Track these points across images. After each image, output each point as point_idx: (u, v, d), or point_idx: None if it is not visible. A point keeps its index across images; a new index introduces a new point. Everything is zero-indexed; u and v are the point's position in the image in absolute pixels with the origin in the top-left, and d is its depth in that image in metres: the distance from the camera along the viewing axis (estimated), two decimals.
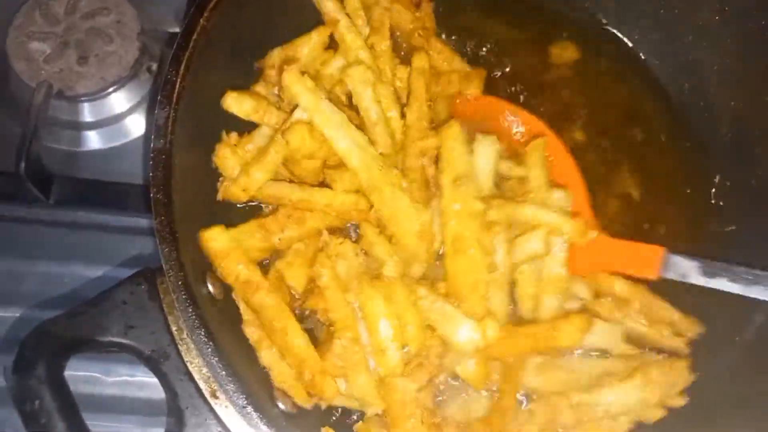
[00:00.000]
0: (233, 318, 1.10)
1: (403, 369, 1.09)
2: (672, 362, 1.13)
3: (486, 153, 1.16)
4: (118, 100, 1.40)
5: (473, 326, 1.09)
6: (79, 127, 1.39)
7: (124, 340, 1.05)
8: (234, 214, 1.16)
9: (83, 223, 1.33)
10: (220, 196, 1.14)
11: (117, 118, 1.40)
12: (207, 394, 0.99)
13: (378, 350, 1.09)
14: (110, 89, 1.38)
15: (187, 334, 1.01)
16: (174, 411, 1.04)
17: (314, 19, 1.24)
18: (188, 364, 1.02)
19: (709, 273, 1.11)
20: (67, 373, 1.04)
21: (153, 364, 1.05)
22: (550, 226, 1.13)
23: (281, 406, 1.09)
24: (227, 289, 1.09)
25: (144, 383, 1.26)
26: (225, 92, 1.12)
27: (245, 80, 1.23)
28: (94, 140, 1.41)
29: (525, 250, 1.14)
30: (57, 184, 1.33)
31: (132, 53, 1.39)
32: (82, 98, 1.37)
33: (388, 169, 1.13)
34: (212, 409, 0.99)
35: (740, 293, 1.09)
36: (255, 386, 1.04)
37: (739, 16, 1.28)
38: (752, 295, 1.07)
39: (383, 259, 1.14)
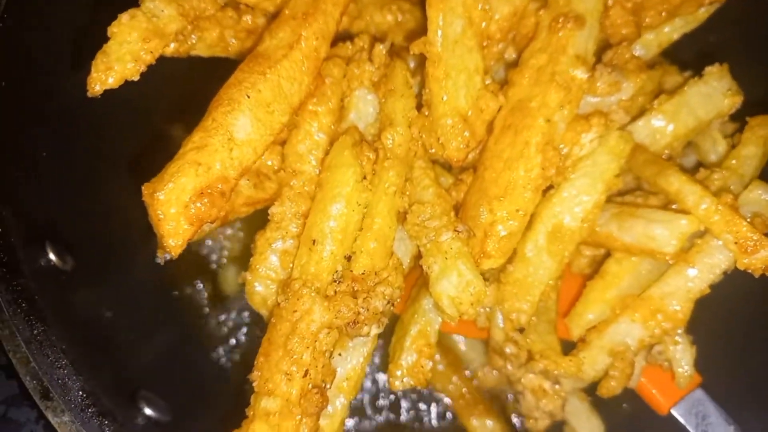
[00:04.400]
0: (92, 290, 0.92)
1: (326, 287, 0.91)
2: None
3: None
4: None
5: (465, 282, 0.91)
6: None
7: None
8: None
9: None
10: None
11: None
12: (36, 396, 0.78)
13: (307, 240, 0.92)
14: None
15: (8, 314, 0.78)
16: None
17: None
18: (9, 354, 0.79)
19: None
20: None
21: None
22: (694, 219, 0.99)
23: (147, 411, 0.91)
24: (80, 257, 0.90)
25: None
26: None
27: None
28: None
29: None
30: None
31: None
32: None
33: None
34: (42, 416, 0.78)
35: None
36: (110, 386, 0.84)
37: None
38: None
39: (395, 120, 0.97)
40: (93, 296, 1.00)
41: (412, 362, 1.03)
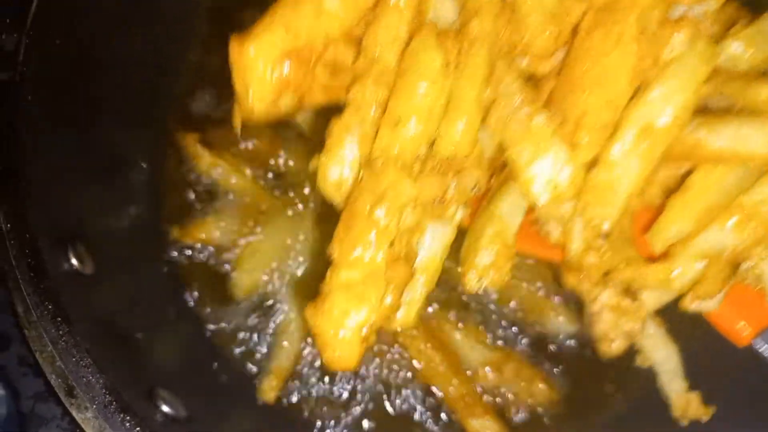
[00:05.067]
0: (111, 296, 0.95)
1: (411, 165, 0.89)
2: None
3: None
4: None
5: (561, 161, 0.89)
6: None
7: None
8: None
9: None
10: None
11: None
12: (61, 393, 0.81)
13: (390, 119, 0.90)
14: None
15: (36, 316, 0.81)
16: (12, 417, 0.83)
17: None
18: (36, 354, 0.82)
19: None
20: None
21: None
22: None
23: (165, 408, 0.92)
24: (100, 261, 0.93)
25: None
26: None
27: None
28: None
29: None
30: None
31: None
32: None
33: None
34: (67, 413, 0.80)
35: None
36: (129, 383, 0.87)
37: None
38: None
39: (482, 9, 0.95)
40: (111, 297, 1.04)
41: (490, 262, 0.98)
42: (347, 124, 0.96)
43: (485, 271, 0.96)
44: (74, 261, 0.91)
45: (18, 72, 0.88)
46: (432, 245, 0.95)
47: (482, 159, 0.97)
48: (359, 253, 0.85)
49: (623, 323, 1.02)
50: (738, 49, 1.07)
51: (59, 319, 0.81)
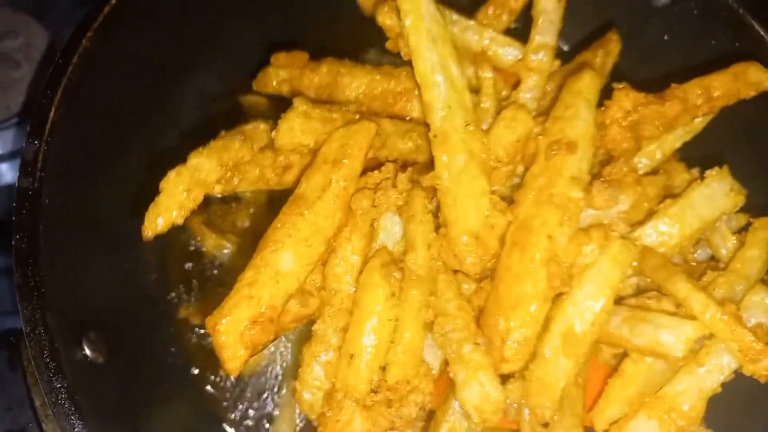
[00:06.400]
0: (122, 383, 1.00)
1: (365, 397, 1.07)
2: None
3: None
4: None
5: (486, 392, 1.05)
6: None
7: None
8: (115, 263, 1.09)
9: None
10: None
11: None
12: None
13: (346, 354, 1.09)
14: (15, 119, 1.26)
15: (52, 411, 0.85)
16: None
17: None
18: None
19: None
20: None
21: None
22: (699, 325, 1.07)
23: None
24: (113, 348, 0.99)
25: None
26: (116, 122, 1.04)
27: (145, 106, 1.15)
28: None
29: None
30: None
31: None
32: None
33: (476, 131, 1.15)
34: None
35: None
36: None
37: None
38: None
39: (416, 243, 1.14)
40: (123, 387, 1.11)
41: None
42: (314, 352, 1.15)
43: None
44: (88, 351, 0.96)
45: (36, 179, 0.94)
46: None
47: (429, 375, 1.13)
48: None
49: None
50: (665, 228, 1.16)
51: (72, 415, 0.85)
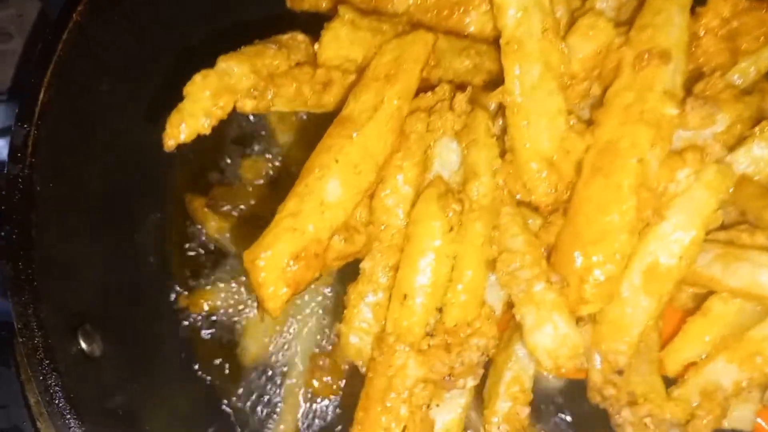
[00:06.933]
0: (119, 376, 0.97)
1: (420, 341, 0.97)
2: None
3: None
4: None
5: (560, 334, 0.95)
6: None
7: None
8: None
9: None
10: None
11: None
12: None
13: (398, 294, 0.97)
14: (4, 96, 1.20)
15: (45, 410, 0.83)
16: None
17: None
18: None
19: None
20: None
21: None
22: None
23: None
24: (109, 340, 0.95)
25: None
26: (111, 102, 0.99)
27: (143, 88, 1.06)
28: None
29: None
30: None
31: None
32: None
33: (555, 39, 1.00)
34: None
35: None
36: None
37: None
38: None
39: (478, 170, 1.01)
40: (121, 381, 1.07)
41: (507, 409, 1.05)
42: (362, 293, 1.04)
43: (506, 418, 1.03)
44: (83, 344, 0.94)
45: (26, 165, 0.90)
46: (450, 410, 1.01)
47: (492, 318, 1.01)
48: None
49: None
50: (761, 152, 1.03)
51: (68, 413, 0.83)
